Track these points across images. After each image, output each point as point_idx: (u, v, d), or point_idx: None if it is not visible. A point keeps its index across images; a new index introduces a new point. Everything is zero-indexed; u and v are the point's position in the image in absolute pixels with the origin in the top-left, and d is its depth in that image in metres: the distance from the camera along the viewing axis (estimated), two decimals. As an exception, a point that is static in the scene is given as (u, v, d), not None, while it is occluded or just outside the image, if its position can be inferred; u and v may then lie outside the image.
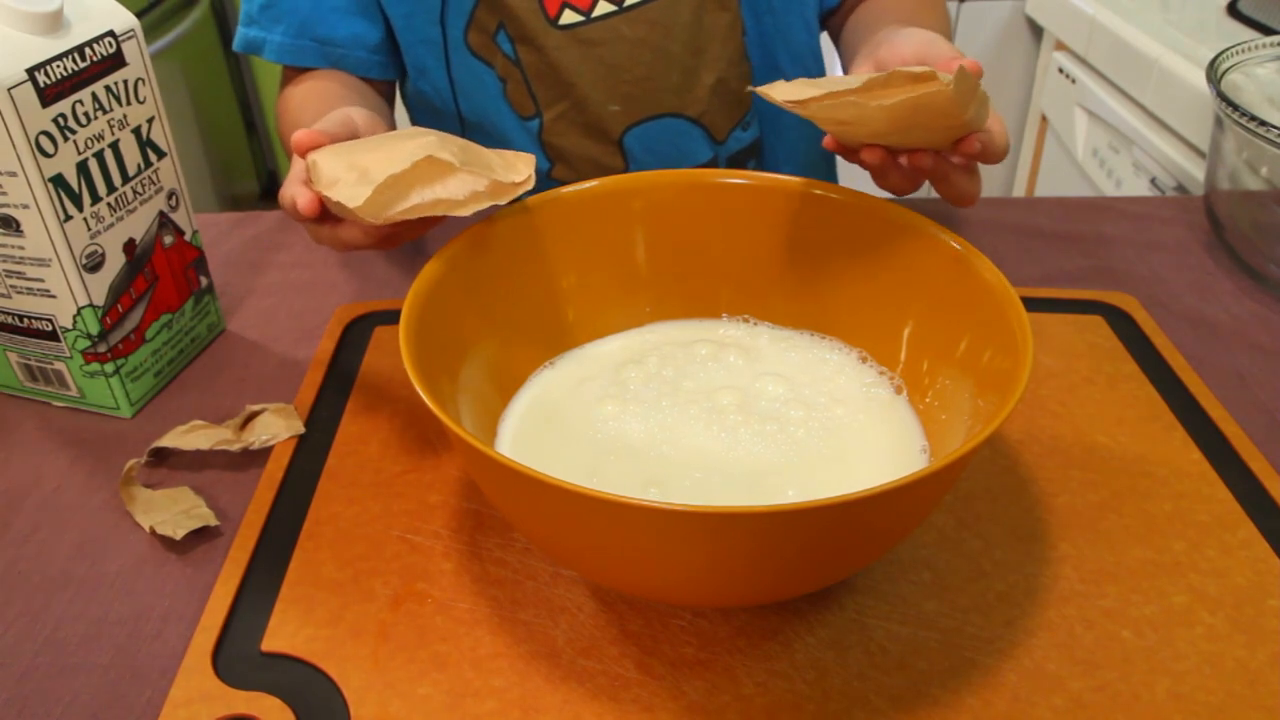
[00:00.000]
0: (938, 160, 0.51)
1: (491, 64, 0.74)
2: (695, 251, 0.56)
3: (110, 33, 0.53)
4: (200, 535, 0.50)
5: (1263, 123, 0.64)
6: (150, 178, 0.57)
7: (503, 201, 0.47)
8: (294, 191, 0.49)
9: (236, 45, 0.74)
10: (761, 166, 0.82)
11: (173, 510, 0.50)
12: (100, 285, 0.54)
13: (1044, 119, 1.54)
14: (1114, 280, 0.69)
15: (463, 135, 0.82)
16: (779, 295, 0.56)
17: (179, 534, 0.49)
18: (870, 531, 0.39)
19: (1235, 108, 0.65)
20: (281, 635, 0.44)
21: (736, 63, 0.75)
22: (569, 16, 0.71)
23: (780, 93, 0.47)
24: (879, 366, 0.53)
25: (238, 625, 0.45)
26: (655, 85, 0.74)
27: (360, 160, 0.47)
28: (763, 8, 0.75)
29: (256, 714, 0.41)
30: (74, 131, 0.51)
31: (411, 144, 0.47)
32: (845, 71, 0.76)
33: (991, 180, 1.79)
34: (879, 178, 0.53)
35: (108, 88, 0.53)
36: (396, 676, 0.42)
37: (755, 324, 0.56)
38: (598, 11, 0.71)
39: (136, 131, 0.55)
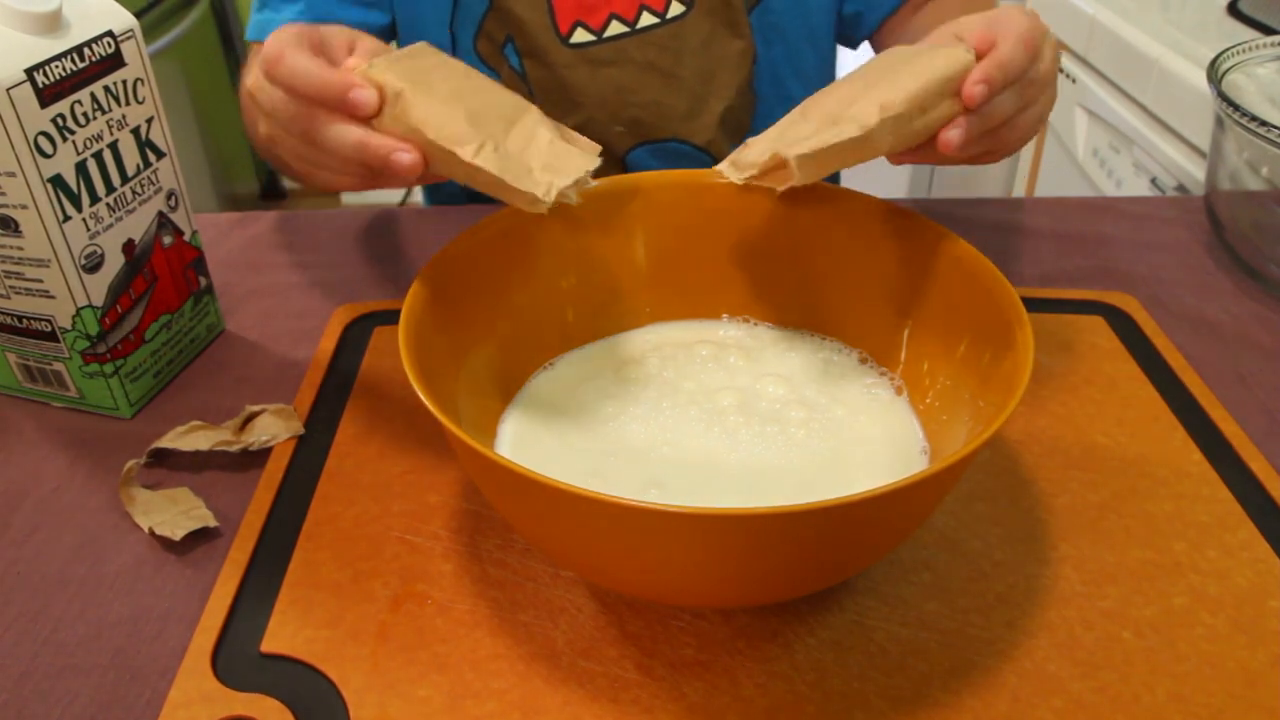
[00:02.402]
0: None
1: (498, 73, 0.73)
2: (695, 252, 0.56)
3: (109, 33, 0.53)
4: (199, 536, 0.50)
5: (1263, 123, 0.64)
6: (149, 178, 0.56)
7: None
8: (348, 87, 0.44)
9: (250, 33, 0.72)
10: None
11: (172, 511, 0.50)
12: (99, 286, 0.54)
13: (1044, 119, 1.54)
14: (1114, 280, 0.69)
15: None
16: (779, 296, 0.56)
17: (178, 535, 0.49)
18: (871, 533, 0.39)
19: (1236, 108, 0.65)
20: (281, 636, 0.44)
21: (743, 92, 0.75)
22: (580, 35, 0.71)
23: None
24: (879, 367, 0.53)
25: (237, 626, 0.45)
26: (662, 110, 0.74)
27: (475, 107, 0.46)
28: (773, 36, 0.75)
29: (256, 715, 0.41)
30: (73, 132, 0.51)
31: (524, 112, 0.48)
32: None
33: (992, 180, 1.79)
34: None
35: (106, 88, 0.53)
36: (396, 678, 0.42)
37: (755, 325, 0.56)
38: (610, 32, 0.71)
39: (135, 132, 0.55)
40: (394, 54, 0.47)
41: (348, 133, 0.45)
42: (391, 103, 0.45)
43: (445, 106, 0.45)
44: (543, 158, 0.46)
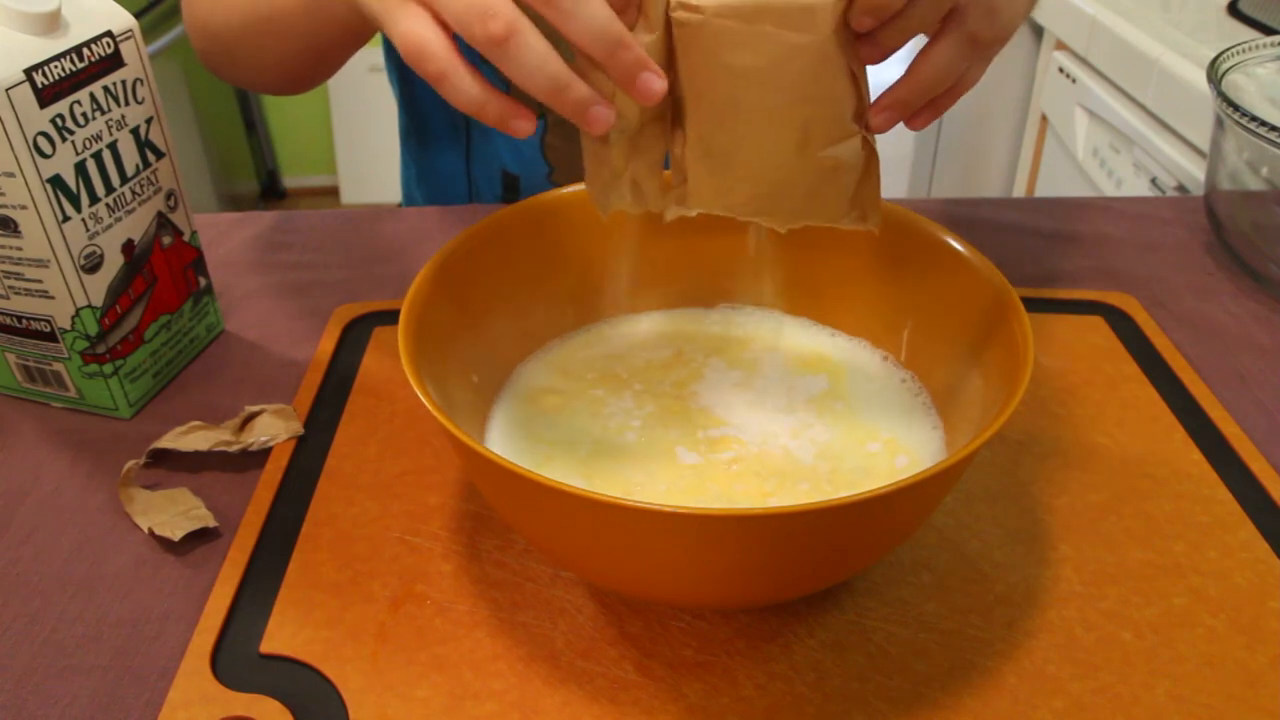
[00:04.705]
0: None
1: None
2: (693, 253, 0.56)
3: (108, 33, 0.53)
4: (199, 536, 0.50)
5: (1263, 123, 0.64)
6: (149, 178, 0.56)
7: None
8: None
9: None
10: None
11: (171, 511, 0.50)
12: (99, 286, 0.54)
13: (1044, 119, 1.54)
14: (1114, 280, 0.69)
15: (465, 125, 0.82)
16: (779, 296, 0.56)
17: (178, 535, 0.49)
18: (870, 533, 0.39)
19: (1236, 108, 0.65)
20: (280, 637, 0.44)
21: None
22: None
23: None
24: (882, 350, 0.53)
25: (236, 627, 0.45)
26: None
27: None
28: None
29: (255, 716, 0.40)
30: (72, 132, 0.51)
31: None
32: None
33: (992, 180, 1.79)
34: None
35: (106, 88, 0.53)
36: (395, 678, 0.42)
37: (752, 315, 0.56)
38: None
39: (135, 132, 0.55)
40: None
41: (604, 11, 0.36)
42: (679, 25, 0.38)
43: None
44: (647, 169, 0.45)
